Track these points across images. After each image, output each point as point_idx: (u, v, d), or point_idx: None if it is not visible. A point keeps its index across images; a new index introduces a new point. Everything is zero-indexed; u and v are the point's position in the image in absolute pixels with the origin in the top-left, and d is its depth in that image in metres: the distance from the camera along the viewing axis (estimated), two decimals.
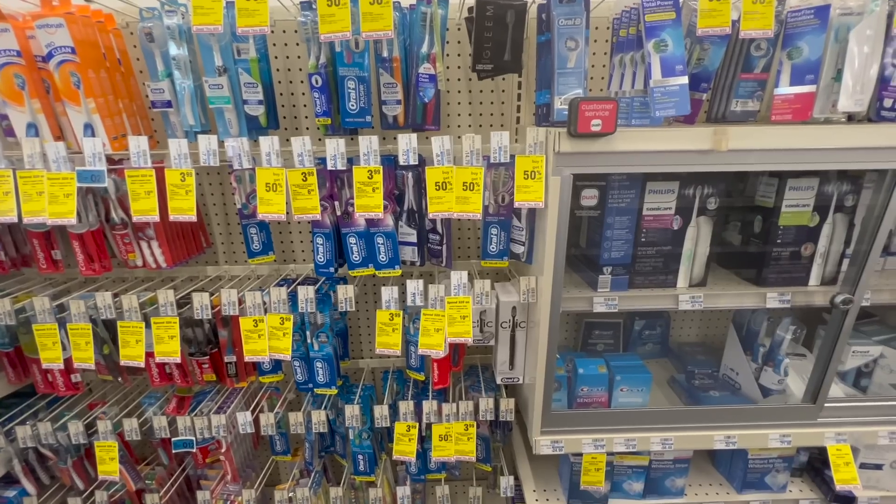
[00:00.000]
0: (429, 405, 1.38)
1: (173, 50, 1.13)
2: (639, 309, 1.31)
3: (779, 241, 1.25)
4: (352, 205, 1.18)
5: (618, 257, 1.26)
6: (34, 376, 1.40)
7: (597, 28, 1.40)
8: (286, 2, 1.23)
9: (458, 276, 1.20)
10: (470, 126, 1.50)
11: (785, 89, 1.12)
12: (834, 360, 1.27)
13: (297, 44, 1.40)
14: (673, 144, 1.03)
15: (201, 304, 1.21)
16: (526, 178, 1.08)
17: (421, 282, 1.21)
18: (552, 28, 1.08)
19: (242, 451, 1.69)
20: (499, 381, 1.43)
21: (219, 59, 1.14)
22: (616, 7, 1.27)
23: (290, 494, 1.55)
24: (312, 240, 1.22)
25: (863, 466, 1.40)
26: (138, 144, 1.08)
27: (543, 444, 1.34)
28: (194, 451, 1.45)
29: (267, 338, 1.23)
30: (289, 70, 1.42)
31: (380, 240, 1.21)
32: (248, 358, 1.25)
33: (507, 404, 1.38)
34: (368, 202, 1.11)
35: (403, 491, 1.54)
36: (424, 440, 1.52)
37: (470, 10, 1.17)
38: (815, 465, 1.50)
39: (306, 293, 1.21)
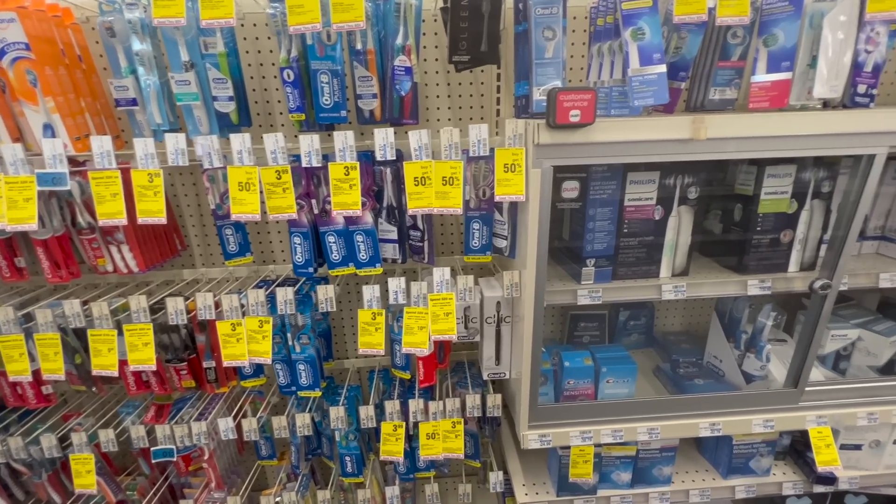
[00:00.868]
0: (415, 404, 1.36)
1: (136, 45, 1.08)
2: (623, 300, 1.30)
3: (758, 228, 1.25)
4: (329, 202, 1.15)
5: (600, 249, 1.26)
6: (2, 389, 1.34)
7: (574, 18, 1.39)
8: None
9: (441, 273, 1.18)
10: (450, 120, 1.47)
11: (762, 77, 1.12)
12: (814, 344, 1.28)
13: (269, 37, 1.35)
14: (652, 134, 1.02)
15: (176, 309, 1.17)
16: (506, 171, 1.07)
17: (403, 279, 1.19)
18: (529, 17, 1.06)
19: (227, 458, 1.66)
20: (485, 377, 1.42)
21: (185, 53, 1.09)
22: None
23: (277, 499, 1.52)
24: (290, 240, 1.19)
25: (843, 447, 1.43)
26: (101, 144, 1.04)
27: (531, 438, 1.33)
28: (174, 459, 1.41)
29: (246, 342, 1.20)
30: (261, 65, 1.37)
31: (359, 238, 1.18)
32: (226, 363, 1.21)
33: (494, 400, 1.37)
34: (346, 199, 1.08)
35: (392, 491, 1.52)
36: (412, 439, 1.51)
37: None
38: (797, 448, 1.52)
39: (285, 294, 1.18)
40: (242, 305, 1.20)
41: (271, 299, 1.24)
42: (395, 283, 1.19)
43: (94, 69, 1.26)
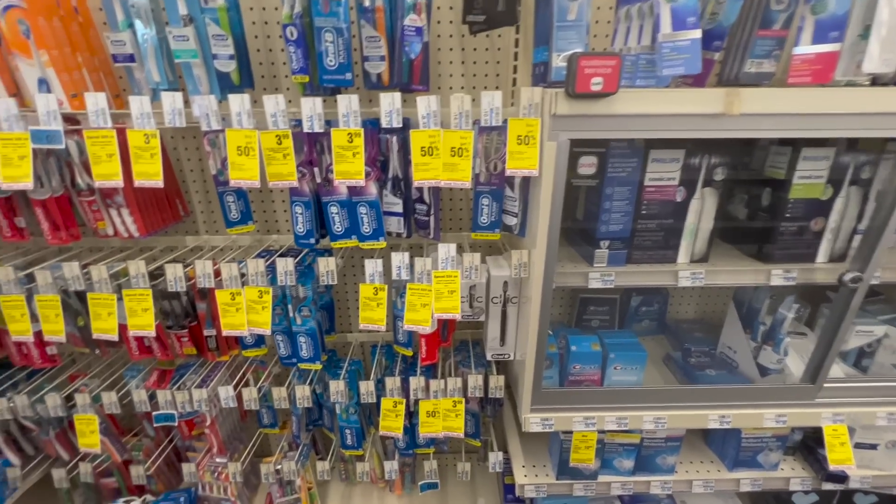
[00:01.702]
0: (416, 381, 1.34)
1: None
2: (636, 285, 1.24)
3: (788, 214, 1.17)
4: (332, 171, 1.10)
5: (616, 230, 1.19)
6: (8, 349, 1.35)
7: None
8: None
9: (446, 250, 1.13)
10: (462, 88, 1.39)
11: (805, 48, 1.01)
12: (837, 339, 1.22)
13: None
14: (681, 107, 0.94)
15: (175, 275, 1.15)
16: (519, 143, 1.00)
17: (406, 255, 1.14)
18: None
19: (229, 424, 1.67)
20: (489, 358, 1.39)
21: (183, 6, 1.03)
22: None
23: (278, 467, 1.54)
24: (291, 208, 1.15)
25: (858, 446, 1.38)
26: (96, 102, 0.99)
27: (533, 421, 1.30)
28: (175, 424, 1.42)
29: (245, 311, 1.17)
30: (265, 23, 1.30)
31: (363, 209, 1.14)
32: (225, 332, 1.20)
33: (497, 381, 1.34)
34: (349, 168, 1.03)
35: (391, 465, 1.52)
36: (413, 415, 1.50)
37: None
38: (808, 444, 1.47)
39: (285, 265, 1.15)
40: (243, 275, 1.18)
41: (272, 270, 1.21)
42: (399, 259, 1.15)
43: (92, 22, 1.20)
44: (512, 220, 1.20)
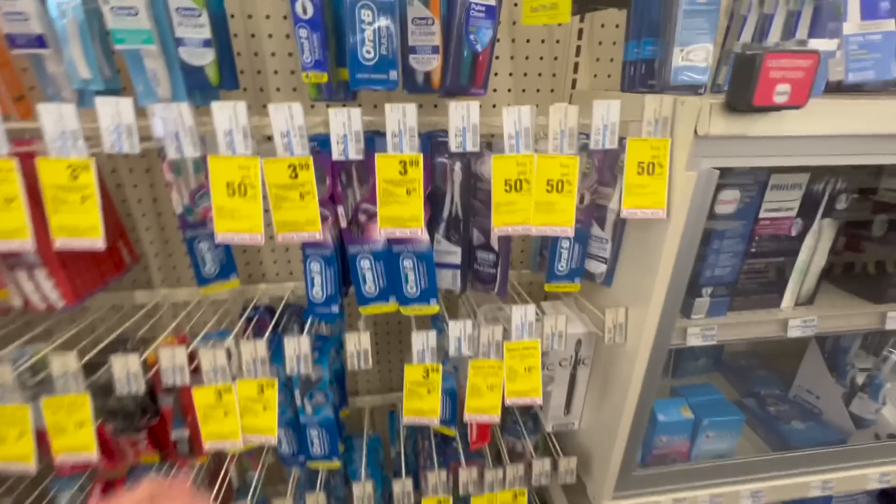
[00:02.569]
0: (466, 474, 1.03)
1: None
2: (739, 339, 1.01)
3: None
4: (365, 211, 0.76)
5: (722, 274, 0.94)
6: None
7: None
8: None
9: (522, 313, 0.83)
10: (510, 91, 1.09)
11: None
12: None
13: None
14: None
15: (127, 372, 0.77)
16: (640, 172, 0.72)
17: (469, 323, 0.83)
18: None
19: None
20: (549, 430, 1.11)
21: None
22: None
23: None
24: (305, 266, 0.80)
25: None
26: None
27: None
28: None
29: (239, 415, 0.81)
30: None
31: (408, 263, 0.81)
32: (209, 444, 0.83)
33: (568, 464, 1.06)
34: (401, 212, 0.70)
35: None
36: None
37: None
38: (888, 493, 1.32)
39: (296, 348, 0.80)
40: (229, 362, 0.81)
41: (275, 349, 0.85)
42: (458, 328, 0.83)
43: None
44: (599, 268, 0.92)
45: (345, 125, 0.65)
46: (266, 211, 0.68)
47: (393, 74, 0.72)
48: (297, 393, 0.93)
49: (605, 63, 1.08)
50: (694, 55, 0.75)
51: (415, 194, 0.69)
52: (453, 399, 0.99)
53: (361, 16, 0.67)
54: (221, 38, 0.78)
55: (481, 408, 0.87)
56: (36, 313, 0.84)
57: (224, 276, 0.93)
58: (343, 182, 0.77)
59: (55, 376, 0.75)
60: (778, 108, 0.61)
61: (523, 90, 1.09)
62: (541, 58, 1.06)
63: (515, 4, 1.00)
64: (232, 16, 0.92)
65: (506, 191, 0.71)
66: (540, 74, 1.08)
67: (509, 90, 1.08)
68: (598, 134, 0.70)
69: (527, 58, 1.06)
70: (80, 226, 0.64)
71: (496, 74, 1.06)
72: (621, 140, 0.72)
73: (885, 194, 1.03)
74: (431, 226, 0.84)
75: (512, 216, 0.72)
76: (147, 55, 0.71)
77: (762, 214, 0.92)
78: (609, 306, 0.88)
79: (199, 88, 0.76)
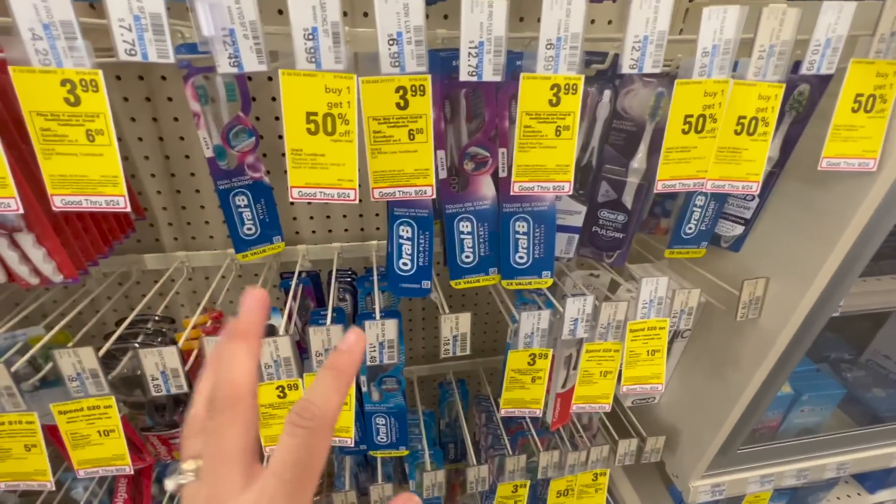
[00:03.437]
0: (547, 457, 0.92)
1: None
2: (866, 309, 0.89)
3: None
4: (474, 157, 0.57)
5: None
6: None
7: None
8: None
9: (653, 286, 0.68)
10: None
11: None
12: None
13: None
14: None
15: (161, 367, 0.58)
16: (856, 109, 0.53)
17: (590, 299, 0.67)
18: None
19: None
20: (628, 404, 1.00)
21: None
22: None
23: None
24: (390, 231, 0.60)
25: None
26: None
27: (703, 490, 0.97)
28: None
29: None
30: None
31: (520, 225, 0.62)
32: (269, 448, 0.67)
33: (655, 443, 0.96)
34: (545, 160, 0.50)
35: None
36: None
37: None
38: None
39: (380, 334, 0.62)
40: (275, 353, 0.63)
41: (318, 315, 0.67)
42: (576, 305, 0.67)
43: None
44: (734, 230, 0.75)
45: (482, 26, 0.44)
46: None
47: None
48: (363, 379, 0.77)
49: None
50: None
51: (567, 134, 0.49)
52: None
53: None
54: None
55: (591, 396, 0.74)
56: (27, 287, 0.64)
57: (265, 239, 0.74)
58: (446, 115, 0.56)
59: (67, 376, 0.57)
60: None
61: None
62: None
63: None
64: None
65: (683, 131, 0.52)
66: None
67: None
68: (817, 52, 0.51)
69: None
70: (90, 175, 0.42)
71: None
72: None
73: None
74: None
75: (685, 167, 0.54)
76: None
77: None
78: (727, 274, 0.73)
79: None
